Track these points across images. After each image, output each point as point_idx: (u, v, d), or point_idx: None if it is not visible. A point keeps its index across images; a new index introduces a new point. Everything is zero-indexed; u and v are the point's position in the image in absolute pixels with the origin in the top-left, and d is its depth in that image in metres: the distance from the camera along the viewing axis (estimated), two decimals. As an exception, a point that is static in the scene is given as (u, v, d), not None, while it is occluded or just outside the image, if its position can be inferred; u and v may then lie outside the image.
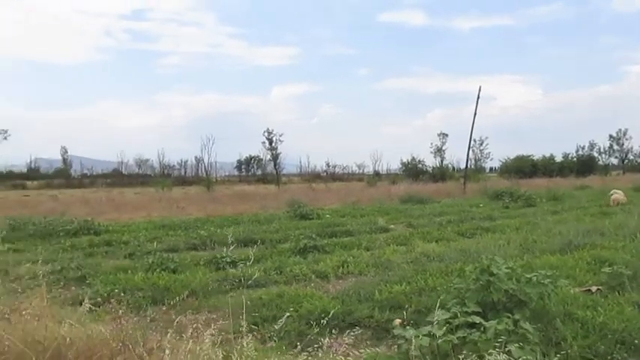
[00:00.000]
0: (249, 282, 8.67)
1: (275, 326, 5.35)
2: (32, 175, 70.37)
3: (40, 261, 10.88)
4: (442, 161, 66.05)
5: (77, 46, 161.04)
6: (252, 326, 5.67)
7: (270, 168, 72.03)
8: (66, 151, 72.95)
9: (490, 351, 3.45)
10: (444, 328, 4.41)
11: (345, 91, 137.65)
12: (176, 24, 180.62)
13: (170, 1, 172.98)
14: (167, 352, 3.72)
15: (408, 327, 4.89)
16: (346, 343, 3.74)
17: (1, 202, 32.58)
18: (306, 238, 12.45)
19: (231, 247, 5.52)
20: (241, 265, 9.77)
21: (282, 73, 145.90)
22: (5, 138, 48.53)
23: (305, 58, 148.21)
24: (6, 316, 5.13)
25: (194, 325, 4.31)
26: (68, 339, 4.63)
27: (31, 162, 72.90)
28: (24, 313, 5.29)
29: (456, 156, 71.89)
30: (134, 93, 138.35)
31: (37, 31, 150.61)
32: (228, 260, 10.08)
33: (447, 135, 66.41)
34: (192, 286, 8.14)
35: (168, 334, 4.53)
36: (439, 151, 65.87)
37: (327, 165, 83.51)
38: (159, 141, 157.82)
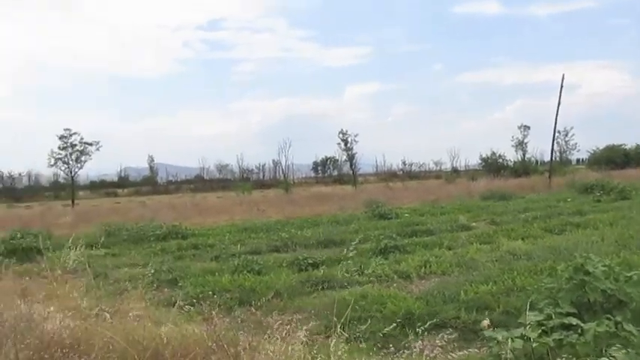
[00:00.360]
0: (332, 283, 8.79)
1: (361, 327, 5.39)
2: (122, 183, 74.50)
3: (134, 265, 11.58)
4: (524, 155, 63.19)
5: (158, 59, 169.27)
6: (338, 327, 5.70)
7: (346, 168, 72.15)
8: (152, 160, 76.73)
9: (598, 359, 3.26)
10: (538, 330, 4.24)
11: (420, 87, 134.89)
12: (249, 31, 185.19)
13: (243, 10, 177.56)
14: (260, 352, 3.83)
15: (497, 329, 4.74)
16: (438, 346, 3.69)
17: (96, 209, 34.80)
18: (387, 238, 12.37)
19: (353, 250, 5.50)
20: (323, 266, 9.93)
21: (355, 73, 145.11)
22: (98, 149, 51.56)
23: (377, 57, 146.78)
24: (109, 316, 5.49)
25: (283, 326, 4.41)
26: (165, 338, 4.87)
27: (120, 171, 77.25)
28: (124, 314, 5.64)
29: (539, 149, 68.09)
30: (212, 101, 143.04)
31: (122, 47, 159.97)
32: (311, 262, 10.24)
33: (528, 127, 63.41)
34: (277, 288, 8.32)
35: (260, 335, 4.67)
36: (521, 145, 63.03)
37: (404, 163, 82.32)
38: (237, 146, 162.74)
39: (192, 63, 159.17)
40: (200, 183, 74.22)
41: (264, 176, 77.82)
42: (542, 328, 4.44)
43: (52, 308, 6.09)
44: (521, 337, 4.15)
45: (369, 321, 5.88)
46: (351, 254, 5.26)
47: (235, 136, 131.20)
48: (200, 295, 7.80)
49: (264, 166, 78.51)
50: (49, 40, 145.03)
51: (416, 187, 42.15)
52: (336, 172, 79.16)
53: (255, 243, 14.15)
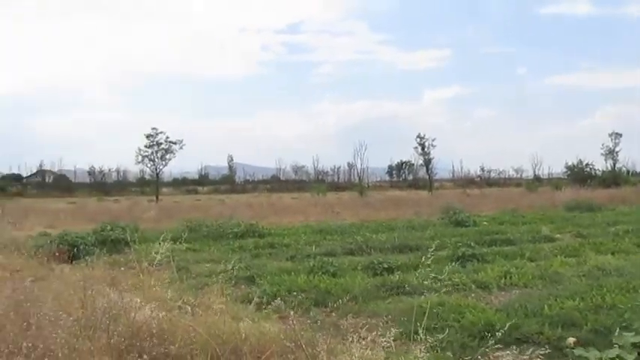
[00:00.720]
0: (408, 289, 8.66)
1: (439, 335, 5.25)
2: (202, 181, 77.20)
3: (213, 260, 11.95)
4: (614, 164, 59.73)
5: (239, 62, 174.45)
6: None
7: (421, 173, 71.11)
8: (232, 159, 79.05)
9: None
10: (634, 352, 3.96)
11: (502, 91, 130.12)
12: (329, 34, 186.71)
13: (323, 14, 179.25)
14: (338, 354, 3.83)
15: (588, 348, 4.48)
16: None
17: (178, 205, 36.33)
18: (464, 245, 12.05)
19: (431, 257, 5.41)
20: (399, 272, 9.80)
21: (433, 76, 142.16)
22: (181, 148, 54.07)
23: (457, 60, 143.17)
24: (190, 309, 5.70)
25: (362, 330, 4.39)
26: (243, 334, 4.99)
27: (201, 169, 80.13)
28: (206, 308, 5.83)
29: (632, 158, 64.11)
30: (291, 102, 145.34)
31: (205, 51, 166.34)
32: (386, 266, 10.15)
33: (620, 135, 59.84)
34: (352, 291, 8.29)
35: (337, 337, 4.67)
36: (611, 153, 59.61)
37: (482, 169, 80.00)
38: (313, 147, 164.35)
39: (272, 65, 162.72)
40: (276, 183, 75.58)
41: (338, 178, 78.05)
42: (639, 350, 4.15)
43: (138, 299, 6.41)
44: (616, 358, 3.90)
45: (447, 330, 5.74)
46: (429, 262, 5.16)
47: (312, 138, 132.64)
48: (276, 294, 7.92)
49: (339, 168, 78.88)
50: (138, 44, 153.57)
51: (495, 195, 40.84)
52: (411, 177, 78.12)
53: (329, 245, 14.22)
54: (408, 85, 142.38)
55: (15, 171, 68.57)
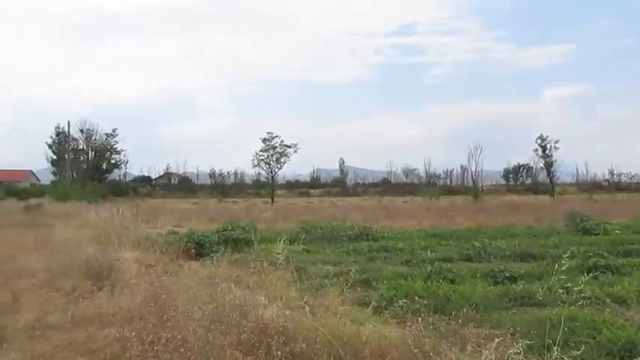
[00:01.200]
0: (533, 300, 8.18)
1: (574, 352, 4.90)
2: (314, 184, 79.05)
3: (328, 262, 12.12)
4: None
5: (350, 66, 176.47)
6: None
7: (541, 177, 67.18)
8: (343, 162, 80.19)
9: None
10: None
11: (632, 88, 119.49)
12: (440, 34, 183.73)
13: (433, 13, 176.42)
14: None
15: None
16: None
17: (292, 207, 37.39)
18: (595, 255, 11.14)
19: (565, 265, 5.11)
20: (522, 281, 9.30)
21: (555, 73, 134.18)
22: (295, 151, 55.76)
23: (581, 55, 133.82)
24: (308, 309, 5.80)
25: (484, 340, 4.20)
26: (364, 337, 4.98)
27: (313, 172, 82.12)
28: (325, 309, 5.91)
29: None
30: (401, 105, 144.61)
31: (317, 56, 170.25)
32: (507, 275, 9.68)
33: None
34: (472, 299, 7.99)
35: (458, 346, 4.51)
36: None
37: (611, 173, 73.84)
38: (425, 150, 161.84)
39: (383, 68, 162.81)
40: (387, 186, 75.26)
41: (451, 182, 76.06)
42: None
43: (262, 298, 6.65)
44: None
45: (583, 347, 5.32)
46: (563, 268, 4.88)
47: (423, 140, 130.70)
48: (393, 298, 7.83)
49: (451, 171, 76.85)
50: (253, 52, 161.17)
51: (627, 201, 37.54)
52: (529, 181, 74.05)
53: (445, 250, 13.83)
54: (525, 83, 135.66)
55: (145, 173, 75.15)
